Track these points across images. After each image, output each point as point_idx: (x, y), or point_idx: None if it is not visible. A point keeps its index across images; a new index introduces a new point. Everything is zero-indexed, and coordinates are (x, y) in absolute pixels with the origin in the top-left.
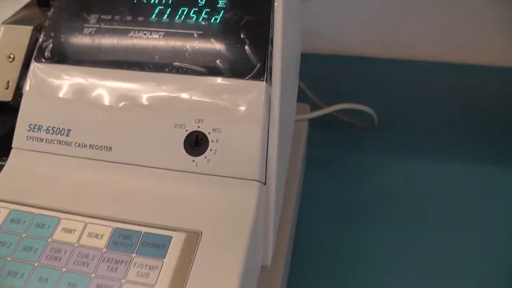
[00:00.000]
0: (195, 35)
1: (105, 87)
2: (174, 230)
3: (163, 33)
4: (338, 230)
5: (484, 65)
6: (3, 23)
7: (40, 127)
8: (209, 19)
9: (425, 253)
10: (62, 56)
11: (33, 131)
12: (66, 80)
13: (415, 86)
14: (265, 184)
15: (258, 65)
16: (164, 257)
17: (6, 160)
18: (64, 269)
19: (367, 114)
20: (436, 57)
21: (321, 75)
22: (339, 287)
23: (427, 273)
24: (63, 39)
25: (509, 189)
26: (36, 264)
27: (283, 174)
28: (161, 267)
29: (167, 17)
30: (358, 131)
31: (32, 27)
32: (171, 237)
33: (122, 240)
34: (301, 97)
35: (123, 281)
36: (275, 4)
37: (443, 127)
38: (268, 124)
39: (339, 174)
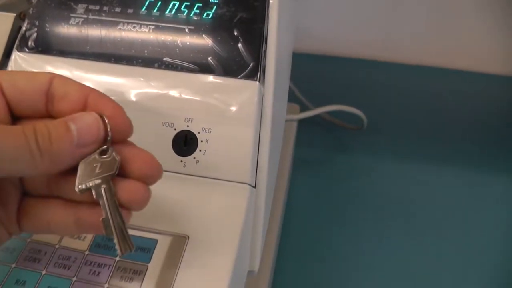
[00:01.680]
0: (187, 30)
1: (91, 80)
2: (159, 233)
3: (153, 26)
4: (324, 232)
5: (475, 71)
6: None
7: None
8: (201, 14)
9: (411, 255)
10: (47, 46)
11: None
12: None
13: (405, 89)
14: (255, 187)
15: (252, 64)
16: (149, 261)
17: None
18: (43, 272)
19: (357, 116)
20: (428, 62)
21: (311, 76)
22: None
23: (413, 275)
24: (48, 29)
25: (497, 193)
26: (13, 265)
27: (273, 177)
28: (146, 271)
29: (157, 10)
30: (347, 133)
31: (14, 14)
32: (156, 241)
33: (106, 243)
34: (290, 97)
35: (106, 285)
36: (270, 1)
37: (432, 131)
38: (260, 126)
39: (327, 176)
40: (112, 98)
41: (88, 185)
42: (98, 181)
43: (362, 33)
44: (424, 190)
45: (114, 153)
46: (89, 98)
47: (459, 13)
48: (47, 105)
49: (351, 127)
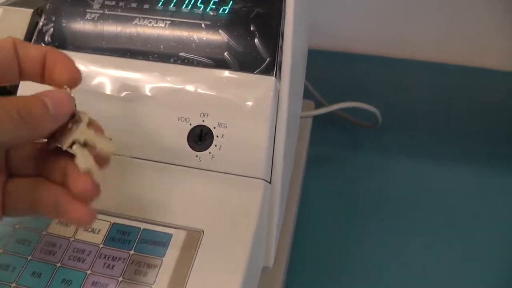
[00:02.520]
0: (203, 25)
1: (107, 75)
2: (174, 227)
3: (169, 22)
4: (338, 230)
5: (490, 68)
6: (1, 4)
7: None
8: (217, 9)
9: (425, 254)
10: (63, 41)
11: None
12: None
13: (420, 86)
14: (270, 182)
15: (268, 59)
16: (164, 256)
17: None
18: (58, 264)
19: (371, 113)
20: (443, 59)
21: (325, 73)
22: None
23: (426, 274)
24: (64, 24)
25: (511, 192)
26: (29, 257)
27: (288, 173)
28: (160, 266)
29: (173, 6)
30: (361, 130)
31: (32, 10)
32: (171, 235)
33: (120, 236)
34: (305, 94)
35: (120, 279)
36: None
37: (447, 128)
38: (276, 121)
39: (341, 173)
40: (127, 93)
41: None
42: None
43: (377, 30)
44: (440, 188)
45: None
46: (47, 56)
47: (475, 11)
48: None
49: (366, 125)
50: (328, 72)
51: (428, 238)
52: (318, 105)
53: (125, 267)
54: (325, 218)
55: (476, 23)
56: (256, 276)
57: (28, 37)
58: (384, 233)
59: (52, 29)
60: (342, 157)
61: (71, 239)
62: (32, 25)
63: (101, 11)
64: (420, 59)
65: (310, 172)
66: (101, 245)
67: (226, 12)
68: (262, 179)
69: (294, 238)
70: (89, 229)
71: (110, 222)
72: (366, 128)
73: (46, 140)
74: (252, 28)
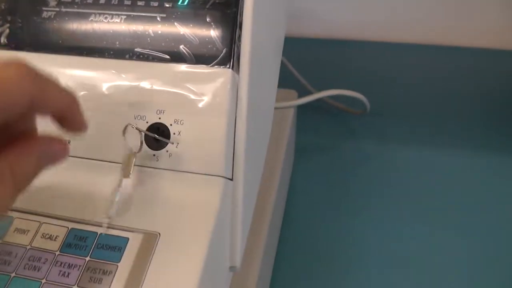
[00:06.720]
0: (158, 18)
1: (64, 75)
2: (131, 231)
3: (124, 16)
4: (329, 223)
5: (480, 47)
6: None
7: None
8: (176, 1)
9: (419, 245)
10: (19, 42)
11: None
12: None
13: (409, 70)
14: (232, 179)
15: (224, 51)
16: (119, 261)
17: None
18: (13, 274)
19: (359, 100)
20: (431, 40)
21: (313, 60)
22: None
23: (420, 267)
24: (20, 24)
25: (505, 176)
26: None
27: (256, 168)
28: (115, 271)
29: None
30: (350, 118)
31: None
32: (127, 239)
33: (77, 242)
34: (292, 83)
35: (74, 287)
36: None
37: (437, 112)
38: (236, 115)
39: (330, 163)
40: (84, 92)
41: None
42: None
43: (364, 15)
44: (431, 175)
45: None
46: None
47: None
48: None
49: (355, 112)
50: (316, 58)
51: (423, 227)
52: (306, 93)
53: (81, 274)
54: (315, 211)
55: (466, 1)
56: (222, 277)
57: None
58: (377, 226)
59: (8, 30)
60: (331, 146)
61: (28, 247)
62: None
63: (57, 9)
64: (409, 41)
65: (298, 162)
66: (57, 252)
67: (185, 3)
68: (222, 176)
69: (282, 232)
70: (47, 236)
71: (68, 228)
72: (355, 115)
73: None
74: (208, 19)
